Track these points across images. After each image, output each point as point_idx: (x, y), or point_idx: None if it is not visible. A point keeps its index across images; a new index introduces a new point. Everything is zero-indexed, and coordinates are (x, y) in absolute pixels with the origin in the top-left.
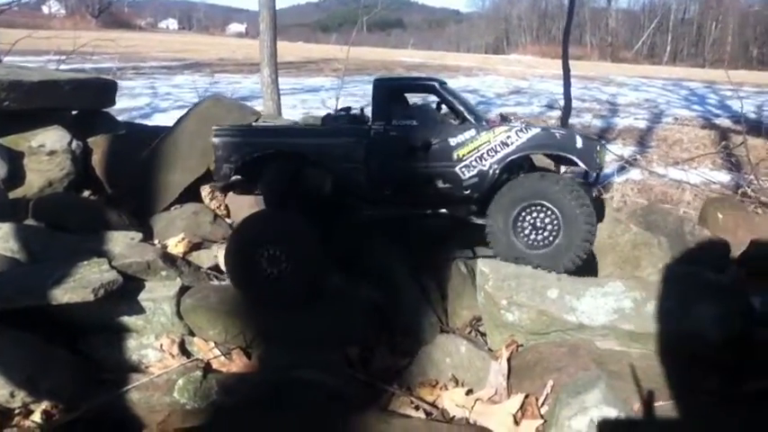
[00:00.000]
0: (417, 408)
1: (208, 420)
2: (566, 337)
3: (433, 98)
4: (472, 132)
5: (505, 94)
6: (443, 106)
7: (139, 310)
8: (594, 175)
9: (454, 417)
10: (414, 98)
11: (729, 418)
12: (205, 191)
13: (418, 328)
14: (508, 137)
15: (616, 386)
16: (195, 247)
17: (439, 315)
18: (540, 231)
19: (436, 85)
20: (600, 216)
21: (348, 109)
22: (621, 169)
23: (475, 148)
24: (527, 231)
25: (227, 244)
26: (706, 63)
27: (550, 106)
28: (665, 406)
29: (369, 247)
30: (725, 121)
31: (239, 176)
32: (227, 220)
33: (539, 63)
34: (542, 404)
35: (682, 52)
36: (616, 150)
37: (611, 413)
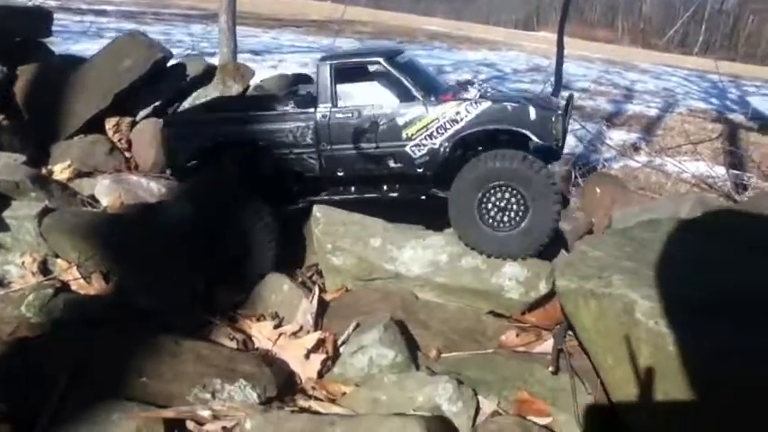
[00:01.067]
0: (232, 338)
1: (47, 333)
2: (389, 285)
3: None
4: (420, 110)
5: (523, 70)
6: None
7: (4, 227)
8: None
9: (258, 348)
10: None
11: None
12: (109, 123)
13: (264, 268)
14: (457, 113)
15: (417, 333)
16: (83, 175)
17: (285, 256)
18: (506, 213)
19: (381, 60)
20: None
21: (299, 81)
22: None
23: (424, 127)
24: (492, 213)
25: None
26: (738, 57)
27: (566, 86)
28: (460, 356)
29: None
30: (738, 117)
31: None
32: (126, 154)
33: (567, 43)
34: (343, 343)
35: (714, 44)
36: (620, 136)
37: (388, 354)
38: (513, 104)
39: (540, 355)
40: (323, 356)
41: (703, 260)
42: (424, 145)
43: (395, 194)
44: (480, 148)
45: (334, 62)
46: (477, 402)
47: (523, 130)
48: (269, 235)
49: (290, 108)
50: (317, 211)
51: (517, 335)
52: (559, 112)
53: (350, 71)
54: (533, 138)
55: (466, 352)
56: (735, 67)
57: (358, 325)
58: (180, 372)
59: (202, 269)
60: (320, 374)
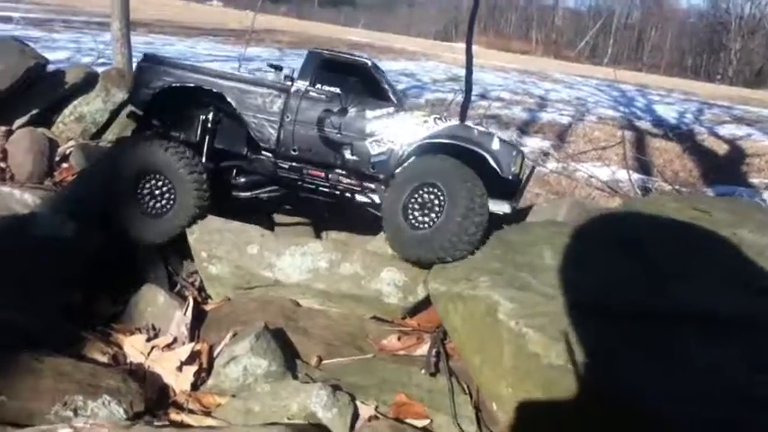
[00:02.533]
0: (105, 353)
1: None
2: (270, 293)
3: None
4: (390, 110)
5: (442, 80)
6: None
7: None
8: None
9: (131, 362)
10: None
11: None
12: None
13: (144, 278)
14: (425, 121)
15: (298, 341)
16: None
17: (173, 266)
18: (427, 211)
19: (368, 63)
20: None
21: (279, 67)
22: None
23: (389, 125)
24: (415, 212)
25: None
26: (644, 67)
27: (483, 95)
28: (341, 362)
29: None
30: (645, 124)
31: (152, 113)
32: (1, 164)
33: (484, 54)
34: (218, 354)
35: (622, 55)
36: (534, 143)
37: (262, 363)
38: (480, 130)
39: (420, 359)
40: (195, 368)
41: (570, 261)
42: (385, 143)
43: (336, 193)
44: None
45: (325, 53)
46: (355, 407)
47: (484, 153)
48: (197, 184)
49: (268, 76)
50: None
51: (398, 339)
52: (521, 150)
53: (336, 65)
54: (492, 163)
55: (347, 358)
56: (641, 77)
57: (235, 334)
58: (40, 389)
59: (78, 281)
60: (195, 387)
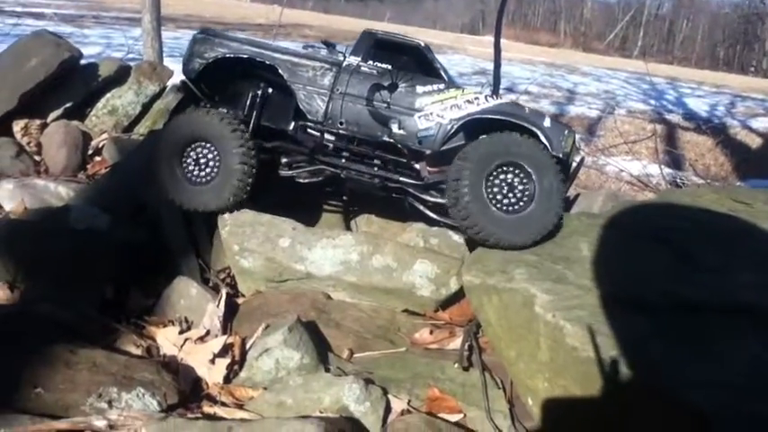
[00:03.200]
0: (138, 346)
1: None
2: (301, 286)
3: None
4: (441, 86)
5: (468, 73)
6: None
7: None
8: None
9: (164, 355)
10: None
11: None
12: (18, 125)
13: (177, 272)
14: (476, 98)
15: (329, 334)
16: None
17: (205, 260)
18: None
19: (421, 44)
20: None
21: (332, 44)
22: None
23: (439, 100)
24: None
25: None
26: (674, 60)
27: (510, 89)
28: (372, 355)
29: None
30: (676, 117)
31: (201, 84)
32: (36, 157)
33: (511, 47)
34: (251, 346)
35: (652, 47)
36: None
37: (294, 356)
38: (531, 108)
39: (453, 352)
40: (228, 361)
41: (606, 253)
42: (433, 118)
43: (381, 173)
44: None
45: (379, 33)
46: (388, 401)
47: (536, 130)
48: (243, 158)
49: (321, 52)
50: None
51: (430, 332)
52: (573, 130)
53: (389, 45)
54: (543, 140)
55: (379, 351)
56: (671, 69)
57: (267, 327)
58: (75, 381)
59: (111, 274)
60: (227, 379)
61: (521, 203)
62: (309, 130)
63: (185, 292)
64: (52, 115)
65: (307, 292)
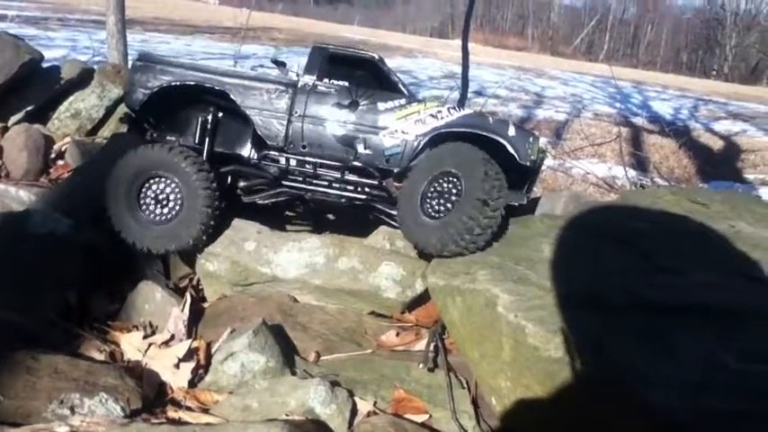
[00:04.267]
0: (102, 351)
1: None
2: (267, 290)
3: None
4: (403, 101)
5: (438, 77)
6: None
7: None
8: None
9: (129, 359)
10: None
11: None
12: None
13: (141, 276)
14: (439, 111)
15: (296, 337)
16: None
17: (171, 264)
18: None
19: (375, 57)
20: None
21: (282, 63)
22: None
23: (403, 116)
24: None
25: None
26: (639, 64)
27: (479, 92)
28: (339, 358)
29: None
30: (641, 120)
31: (146, 115)
32: None
33: (479, 50)
34: (216, 350)
35: (618, 51)
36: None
37: (260, 359)
38: (495, 117)
39: (419, 354)
40: (193, 365)
41: (567, 253)
42: (398, 136)
43: (348, 194)
44: None
45: (330, 48)
46: (354, 403)
47: (501, 140)
48: (206, 192)
49: (272, 72)
50: None
51: (397, 334)
52: (537, 136)
53: (342, 60)
54: (510, 149)
55: (345, 354)
56: (637, 73)
57: (233, 331)
58: (36, 388)
59: (74, 279)
60: (192, 384)
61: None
62: (270, 156)
63: (150, 296)
64: (13, 119)
65: (273, 295)
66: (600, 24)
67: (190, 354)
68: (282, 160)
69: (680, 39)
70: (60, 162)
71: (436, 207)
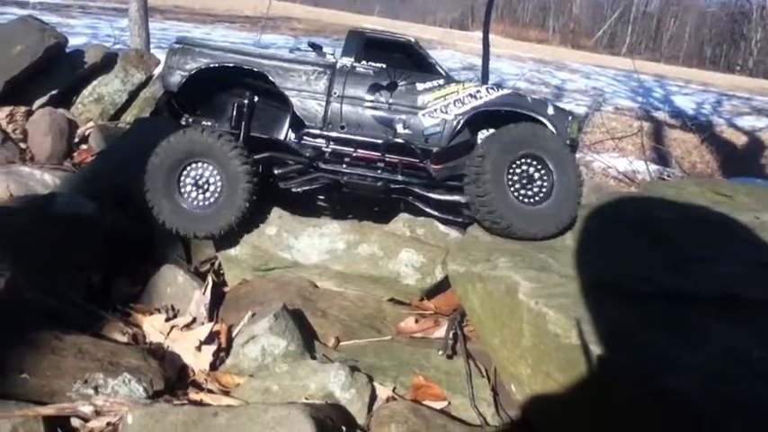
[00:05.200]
0: (124, 333)
1: None
2: (288, 275)
3: None
4: (440, 81)
5: (457, 69)
6: None
7: None
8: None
9: (151, 342)
10: None
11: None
12: (3, 113)
13: (163, 260)
14: (478, 91)
15: (316, 322)
16: None
17: (190, 249)
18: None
19: (411, 40)
20: None
21: (319, 46)
22: None
23: (442, 96)
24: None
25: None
26: (662, 58)
27: (499, 85)
28: (358, 343)
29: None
30: (663, 115)
31: (182, 98)
32: (21, 145)
33: (500, 42)
34: (237, 334)
35: (640, 45)
36: None
37: (280, 343)
38: (534, 97)
39: (438, 341)
40: (214, 348)
41: (590, 242)
42: (438, 115)
43: (385, 176)
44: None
45: (367, 32)
46: (373, 389)
47: (543, 119)
48: (246, 176)
49: (309, 55)
50: None
51: (416, 321)
52: (575, 115)
53: (379, 43)
54: (551, 128)
55: (364, 339)
56: (659, 67)
57: (254, 315)
58: (61, 367)
59: (97, 261)
60: (213, 366)
61: (540, 196)
62: (308, 137)
63: (172, 279)
64: (38, 102)
65: (293, 280)
66: (622, 17)
67: (211, 337)
68: (321, 141)
69: (704, 32)
70: (84, 146)
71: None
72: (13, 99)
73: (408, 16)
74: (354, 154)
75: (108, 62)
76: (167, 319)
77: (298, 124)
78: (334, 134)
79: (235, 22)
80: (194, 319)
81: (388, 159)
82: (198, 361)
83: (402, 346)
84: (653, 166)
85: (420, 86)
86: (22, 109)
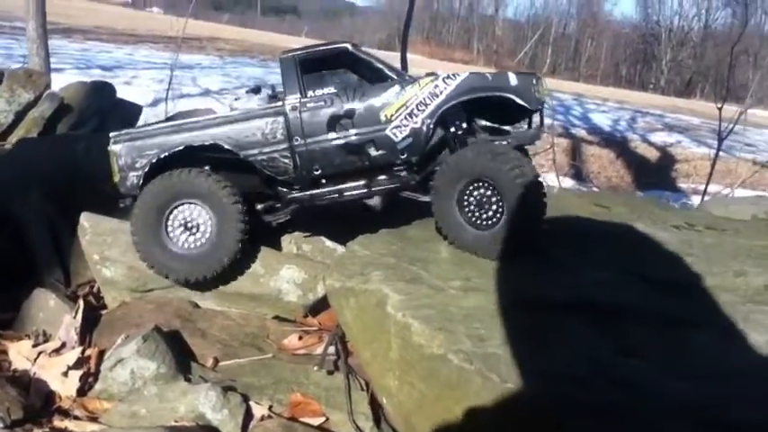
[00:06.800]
0: None
1: None
2: (168, 296)
3: None
4: (396, 89)
5: None
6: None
7: None
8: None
9: (15, 369)
10: None
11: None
12: None
13: (40, 284)
14: (436, 86)
15: (194, 343)
16: None
17: (69, 273)
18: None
19: (348, 47)
20: None
21: (257, 89)
22: None
23: (402, 105)
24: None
25: None
26: (581, 77)
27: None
28: (238, 363)
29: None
30: (580, 132)
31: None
32: None
33: (426, 63)
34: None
35: (560, 65)
36: None
37: (150, 365)
38: (492, 72)
39: (320, 357)
40: (81, 373)
41: (465, 254)
42: (406, 125)
43: (379, 188)
44: (458, 128)
45: (298, 54)
46: (248, 408)
47: (507, 95)
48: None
49: (254, 104)
50: (84, 219)
51: (300, 338)
52: (538, 75)
53: (315, 62)
54: (519, 101)
55: (245, 358)
56: (578, 86)
57: (127, 338)
58: None
59: None
60: (82, 392)
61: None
62: (283, 187)
63: (44, 304)
64: None
65: (172, 301)
66: (542, 38)
67: (80, 362)
68: (296, 188)
69: (619, 53)
70: None
71: None
72: None
73: (336, 37)
74: (340, 187)
75: None
76: (35, 345)
77: (271, 179)
78: (309, 177)
79: (158, 42)
80: (64, 344)
81: (367, 176)
82: (65, 387)
83: (283, 363)
84: (570, 181)
85: (377, 102)
86: None
